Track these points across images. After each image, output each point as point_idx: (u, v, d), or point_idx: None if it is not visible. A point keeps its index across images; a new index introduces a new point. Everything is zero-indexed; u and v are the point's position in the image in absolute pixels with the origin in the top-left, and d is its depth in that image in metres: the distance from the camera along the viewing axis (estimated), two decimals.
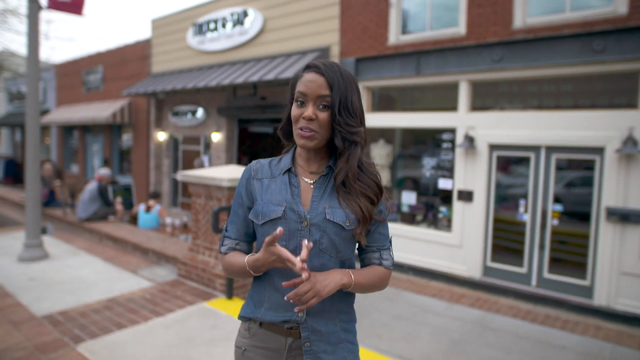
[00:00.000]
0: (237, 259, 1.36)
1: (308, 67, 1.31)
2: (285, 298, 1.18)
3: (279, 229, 1.14)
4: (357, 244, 1.39)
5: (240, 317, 1.41)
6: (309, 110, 1.26)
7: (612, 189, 4.98)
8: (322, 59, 1.33)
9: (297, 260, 1.12)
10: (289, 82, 1.39)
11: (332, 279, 1.23)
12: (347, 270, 1.30)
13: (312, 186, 1.34)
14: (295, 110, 1.29)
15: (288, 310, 1.30)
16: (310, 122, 1.26)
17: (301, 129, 1.27)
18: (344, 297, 1.35)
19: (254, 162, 1.45)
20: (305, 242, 1.16)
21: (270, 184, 1.36)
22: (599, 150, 5.11)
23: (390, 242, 1.43)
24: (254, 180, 1.39)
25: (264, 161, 1.44)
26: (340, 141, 1.29)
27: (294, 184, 1.34)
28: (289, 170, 1.37)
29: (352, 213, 1.29)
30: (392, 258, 1.42)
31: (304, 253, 1.14)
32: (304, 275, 1.12)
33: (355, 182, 1.30)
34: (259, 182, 1.38)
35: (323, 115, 1.26)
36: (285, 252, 1.15)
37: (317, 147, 1.30)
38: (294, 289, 1.20)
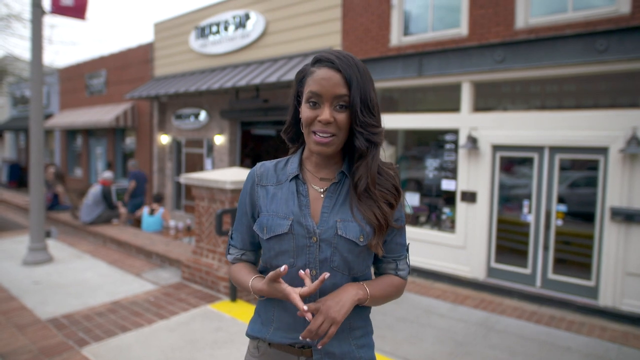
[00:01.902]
0: (243, 275, 1.27)
1: (319, 61, 1.16)
2: (300, 338, 1.09)
3: (284, 267, 1.06)
4: (373, 257, 1.27)
5: (248, 335, 1.31)
6: (326, 113, 1.12)
7: (617, 189, 4.96)
8: (334, 51, 1.18)
9: (300, 304, 1.04)
10: (295, 77, 1.25)
11: (346, 299, 1.12)
12: (361, 283, 1.20)
13: (322, 195, 1.21)
14: (307, 112, 1.15)
15: (298, 331, 1.19)
16: (328, 126, 1.13)
17: (316, 134, 1.14)
18: (357, 311, 1.24)
19: (258, 165, 1.32)
20: (326, 275, 1.07)
21: (276, 193, 1.24)
22: (603, 150, 5.09)
23: (408, 249, 1.32)
24: (258, 187, 1.27)
25: (269, 164, 1.31)
26: (363, 143, 1.16)
27: (302, 193, 1.21)
28: (296, 177, 1.24)
29: (367, 224, 1.16)
30: (409, 267, 1.32)
31: (315, 285, 1.05)
32: (307, 317, 1.04)
33: (375, 187, 1.18)
34: (264, 190, 1.26)
35: (341, 117, 1.13)
36: (292, 294, 1.07)
37: (333, 153, 1.19)
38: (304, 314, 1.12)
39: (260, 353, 1.28)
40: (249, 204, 1.29)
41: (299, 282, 1.17)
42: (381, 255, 1.25)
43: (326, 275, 1.07)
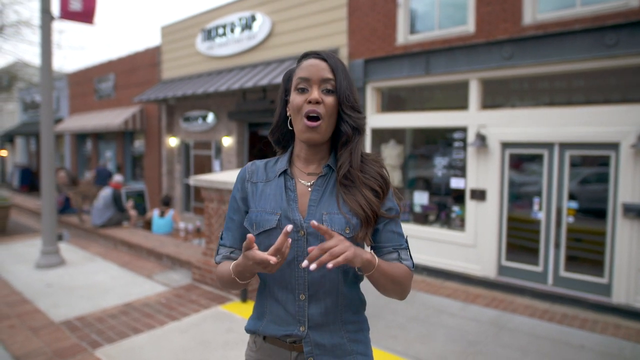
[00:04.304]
0: (227, 267, 1.25)
1: (305, 56, 1.26)
2: (305, 261, 1.02)
3: (249, 236, 1.05)
4: (369, 248, 1.26)
5: (246, 330, 1.35)
6: (315, 93, 1.19)
7: (629, 184, 4.90)
8: (318, 50, 1.29)
9: (263, 254, 1.03)
10: (283, 78, 1.32)
11: (357, 249, 1.09)
12: (370, 251, 1.18)
13: (309, 189, 1.25)
14: (297, 99, 1.21)
15: (289, 324, 1.22)
16: (317, 106, 1.18)
17: (307, 117, 1.19)
18: (350, 306, 1.26)
19: (249, 164, 1.37)
20: (289, 227, 1.03)
21: (264, 189, 1.28)
22: (614, 146, 5.03)
23: (407, 242, 1.30)
24: (248, 183, 1.32)
25: (260, 163, 1.36)
26: (349, 128, 1.22)
27: (290, 188, 1.25)
28: (284, 172, 1.28)
29: (353, 216, 1.19)
30: (412, 260, 1.30)
31: (281, 239, 1.03)
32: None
33: (359, 171, 1.22)
34: (254, 186, 1.30)
35: (329, 100, 1.20)
36: (259, 254, 1.04)
37: (322, 141, 1.23)
38: (302, 303, 1.14)
39: (257, 347, 1.31)
40: (240, 200, 1.32)
41: (289, 274, 1.21)
42: (374, 245, 1.25)
43: (289, 227, 1.03)
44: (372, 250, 1.30)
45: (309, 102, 1.18)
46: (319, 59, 1.22)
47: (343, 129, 1.22)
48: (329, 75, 1.20)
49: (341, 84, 1.20)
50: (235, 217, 1.33)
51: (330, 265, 1.00)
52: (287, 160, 1.30)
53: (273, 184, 1.28)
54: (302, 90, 1.21)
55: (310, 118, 1.19)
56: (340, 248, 1.03)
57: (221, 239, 1.37)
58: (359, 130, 1.24)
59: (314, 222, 1.04)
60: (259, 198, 1.27)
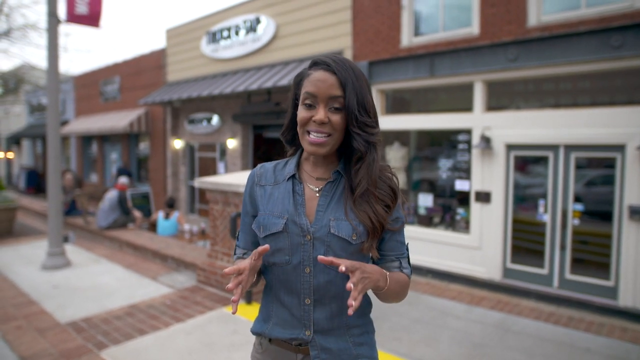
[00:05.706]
0: None
1: (315, 64, 1.20)
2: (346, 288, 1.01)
3: (260, 248, 1.09)
4: (369, 257, 1.28)
5: (252, 332, 1.36)
6: (321, 113, 1.15)
7: (635, 186, 4.87)
8: (331, 55, 1.22)
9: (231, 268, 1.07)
10: (293, 81, 1.28)
11: (374, 274, 1.11)
12: (385, 272, 1.19)
13: (317, 194, 1.25)
14: (303, 113, 1.18)
15: (295, 328, 1.23)
16: (323, 126, 1.16)
17: (311, 134, 1.17)
18: (356, 310, 1.24)
19: (258, 166, 1.37)
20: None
21: (273, 192, 1.28)
22: (620, 148, 5.01)
23: (407, 248, 1.32)
24: (257, 187, 1.32)
25: (269, 165, 1.36)
26: (362, 144, 1.18)
27: (298, 192, 1.25)
28: (293, 177, 1.27)
29: (360, 225, 1.18)
30: (410, 267, 1.32)
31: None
32: (341, 267, 1.01)
33: (375, 189, 1.20)
34: (262, 189, 1.30)
35: (336, 118, 1.16)
36: (242, 264, 1.08)
37: (328, 154, 1.22)
38: (308, 307, 1.16)
39: (263, 349, 1.32)
40: (249, 203, 1.34)
41: (295, 278, 1.22)
42: (379, 256, 1.27)
43: (265, 247, 1.10)
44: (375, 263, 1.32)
45: (314, 121, 1.16)
46: (328, 71, 1.16)
47: (355, 146, 1.18)
48: (338, 92, 1.15)
49: (350, 102, 1.15)
50: (247, 220, 1.35)
51: (357, 296, 1.03)
52: (296, 164, 1.30)
53: (281, 187, 1.28)
54: (309, 106, 1.17)
55: (314, 135, 1.18)
56: (363, 285, 1.05)
57: (237, 239, 1.40)
58: (372, 144, 1.19)
59: (322, 257, 1.04)
60: (267, 201, 1.28)
